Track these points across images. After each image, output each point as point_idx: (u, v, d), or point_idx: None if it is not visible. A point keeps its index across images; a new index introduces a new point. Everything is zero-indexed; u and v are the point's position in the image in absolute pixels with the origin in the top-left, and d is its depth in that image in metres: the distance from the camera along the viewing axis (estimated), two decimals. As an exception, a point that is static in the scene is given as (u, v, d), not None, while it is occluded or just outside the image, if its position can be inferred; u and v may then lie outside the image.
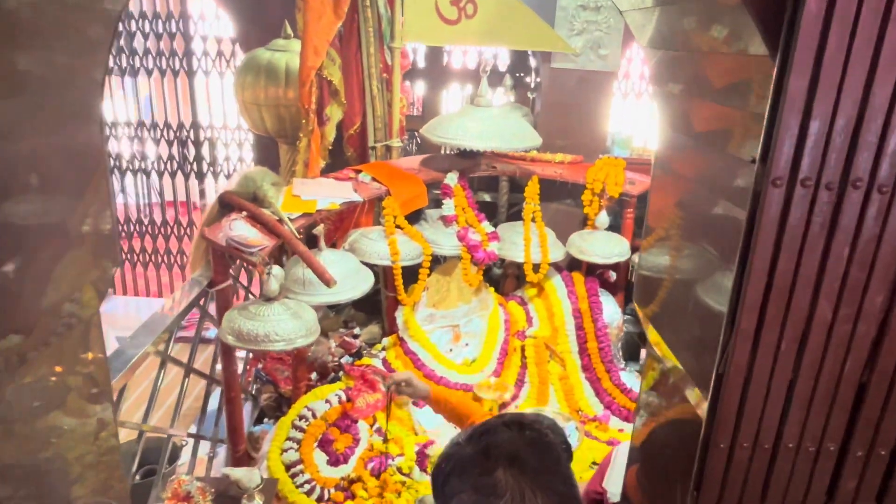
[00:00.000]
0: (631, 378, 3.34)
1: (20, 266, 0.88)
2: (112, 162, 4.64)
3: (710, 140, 1.02)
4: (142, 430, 2.11)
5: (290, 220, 2.46)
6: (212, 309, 2.58)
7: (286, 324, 2.17)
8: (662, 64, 1.24)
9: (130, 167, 4.62)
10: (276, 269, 2.23)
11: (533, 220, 3.35)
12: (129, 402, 3.44)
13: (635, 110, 4.50)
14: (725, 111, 0.95)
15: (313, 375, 3.39)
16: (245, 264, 2.91)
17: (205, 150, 4.52)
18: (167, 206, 4.89)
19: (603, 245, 3.30)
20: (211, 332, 3.09)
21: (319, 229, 2.52)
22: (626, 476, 1.46)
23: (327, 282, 2.21)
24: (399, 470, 2.66)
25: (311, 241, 2.95)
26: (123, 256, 4.86)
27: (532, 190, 3.33)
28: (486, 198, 3.96)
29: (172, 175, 4.59)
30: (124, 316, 4.51)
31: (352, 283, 2.52)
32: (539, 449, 1.03)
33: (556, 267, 3.50)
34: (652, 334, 1.24)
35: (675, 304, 1.12)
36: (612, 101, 3.61)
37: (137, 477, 2.67)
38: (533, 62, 4.04)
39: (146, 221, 4.76)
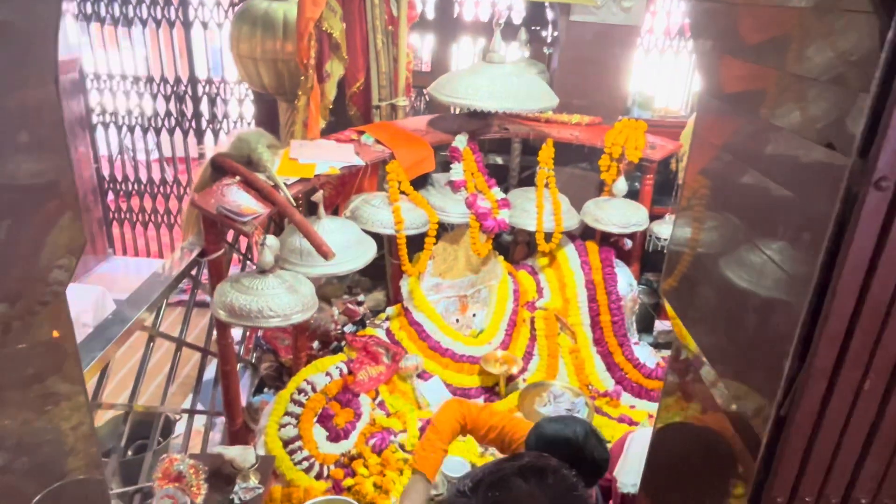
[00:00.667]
0: (644, 352, 3.21)
1: (7, 230, 0.87)
2: (108, 118, 4.46)
3: (772, 112, 0.84)
4: (128, 410, 2.01)
5: (287, 185, 2.29)
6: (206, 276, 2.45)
7: (281, 298, 2.03)
8: (709, 16, 1.04)
9: (126, 123, 4.43)
10: (270, 239, 2.08)
11: (546, 185, 3.16)
12: (119, 376, 3.35)
13: (658, 68, 4.23)
14: (796, 80, 0.77)
15: (315, 344, 3.28)
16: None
17: (203, 107, 4.32)
18: (167, 163, 4.73)
19: (620, 213, 3.11)
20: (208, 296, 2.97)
21: (318, 196, 2.36)
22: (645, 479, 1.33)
23: (325, 254, 2.06)
24: (401, 447, 2.56)
25: (312, 208, 2.79)
26: (122, 216, 4.72)
27: (546, 154, 3.13)
28: (498, 160, 3.76)
29: (171, 132, 4.40)
30: (123, 277, 4.41)
31: (353, 253, 2.37)
32: None
33: (570, 235, 3.33)
34: (687, 339, 1.08)
35: (720, 314, 0.94)
36: (634, 58, 3.36)
37: (129, 452, 2.59)
38: (550, 14, 3.77)
39: (144, 180, 4.61)
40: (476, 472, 0.92)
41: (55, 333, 1.07)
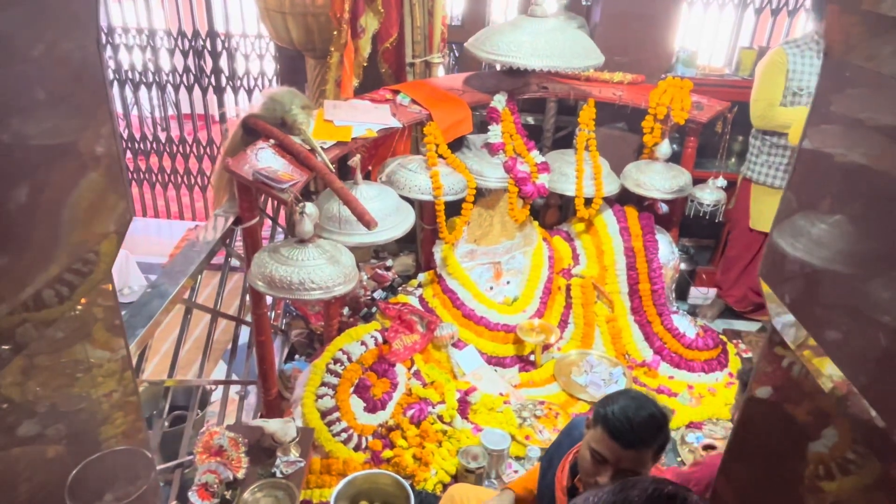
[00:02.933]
0: (683, 321, 3.13)
1: (32, 192, 0.84)
2: (124, 74, 4.31)
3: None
4: (166, 387, 1.95)
5: (323, 149, 2.18)
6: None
7: (323, 270, 1.95)
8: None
9: (144, 79, 4.28)
10: (309, 207, 1.98)
11: (587, 148, 3.02)
12: (153, 348, 3.31)
13: (702, 22, 3.99)
14: None
15: (345, 310, 3.21)
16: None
17: (223, 62, 4.15)
18: (185, 121, 4.59)
19: (663, 178, 2.98)
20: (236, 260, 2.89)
21: (356, 160, 2.24)
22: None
23: (367, 223, 1.96)
24: (440, 418, 2.52)
25: (344, 171, 2.68)
26: (141, 176, 4.61)
27: (587, 115, 2.98)
28: (530, 120, 3.61)
29: (189, 89, 4.25)
30: (144, 239, 4.33)
31: (392, 221, 2.27)
32: None
33: (607, 200, 3.21)
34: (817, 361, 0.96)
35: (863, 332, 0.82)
36: (681, 10, 3.16)
37: (166, 424, 2.56)
38: (589, -36, 3.55)
39: (163, 139, 4.48)
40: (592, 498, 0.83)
41: (82, 301, 1.01)
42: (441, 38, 2.87)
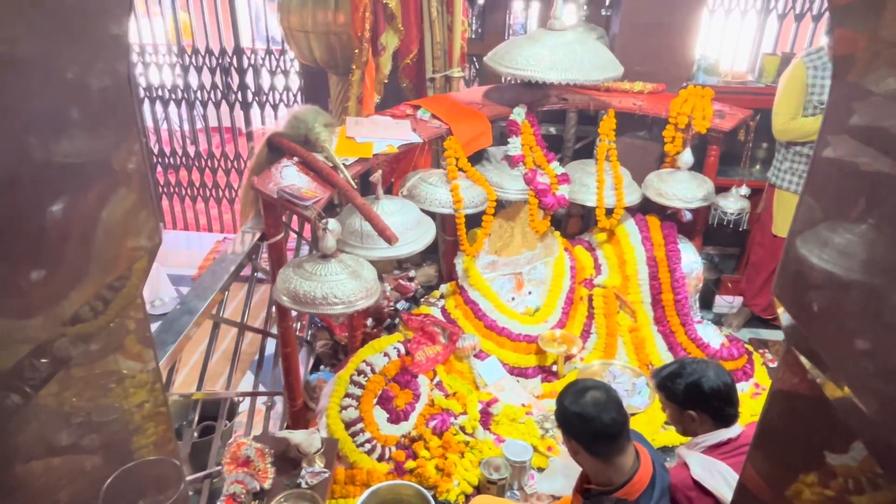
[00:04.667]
0: (708, 331, 3.10)
1: (67, 207, 0.88)
2: (154, 91, 4.44)
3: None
4: (195, 400, 2.01)
5: (345, 165, 2.23)
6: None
7: (345, 284, 1.99)
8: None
9: (173, 97, 4.41)
10: (332, 223, 2.02)
11: (607, 158, 3.02)
12: (181, 363, 3.40)
13: (724, 29, 3.96)
14: None
15: (368, 321, 3.26)
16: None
17: (249, 78, 4.26)
18: (212, 135, 4.72)
19: (685, 187, 2.97)
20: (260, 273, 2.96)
21: (377, 176, 2.29)
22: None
23: (388, 239, 2.00)
24: (462, 429, 2.54)
25: (366, 186, 2.73)
26: (171, 189, 4.74)
27: (607, 125, 2.98)
28: (551, 130, 3.62)
29: (217, 105, 4.36)
30: (175, 251, 4.45)
31: (413, 235, 2.31)
32: None
33: (629, 210, 3.21)
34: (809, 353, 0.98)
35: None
36: (702, 19, 3.15)
37: (195, 434, 2.63)
38: (608, -26, 3.56)
39: (192, 154, 4.60)
40: None
41: (116, 314, 1.05)
42: (460, 53, 2.91)
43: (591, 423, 1.58)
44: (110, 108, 1.04)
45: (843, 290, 0.92)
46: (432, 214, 2.75)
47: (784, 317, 1.09)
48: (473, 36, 3.70)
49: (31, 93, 0.84)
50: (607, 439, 1.59)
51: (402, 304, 3.39)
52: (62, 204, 0.90)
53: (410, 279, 3.60)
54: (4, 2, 0.76)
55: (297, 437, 2.12)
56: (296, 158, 2.22)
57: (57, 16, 0.84)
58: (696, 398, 1.75)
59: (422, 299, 3.17)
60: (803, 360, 1.00)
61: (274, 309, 2.45)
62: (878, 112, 0.85)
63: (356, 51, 2.57)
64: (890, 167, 0.84)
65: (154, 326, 1.70)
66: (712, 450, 1.72)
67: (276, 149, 2.30)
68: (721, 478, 1.61)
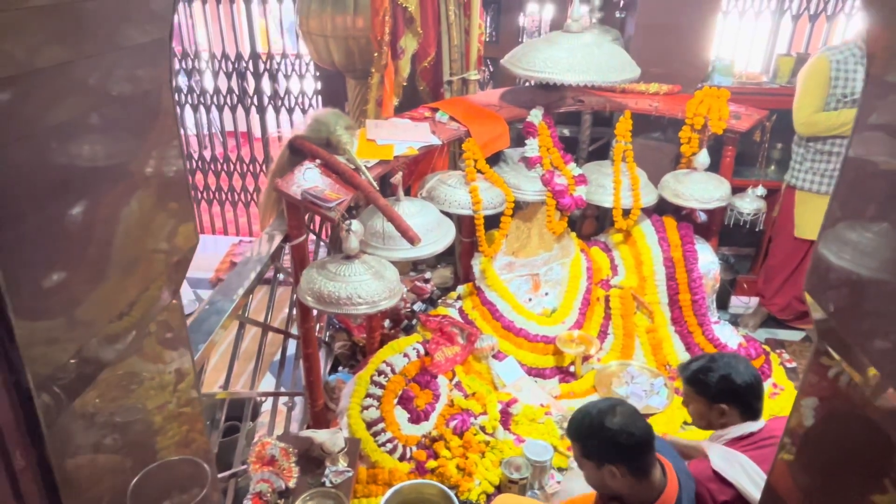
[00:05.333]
0: (725, 331, 3.10)
1: (87, 210, 0.89)
2: (176, 96, 4.49)
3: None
4: (221, 399, 2.04)
5: (367, 168, 2.25)
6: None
7: (369, 285, 2.01)
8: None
9: (189, 101, 4.46)
10: (355, 224, 2.05)
11: (624, 159, 3.04)
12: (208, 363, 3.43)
13: (738, 30, 3.97)
14: None
15: (386, 323, 3.28)
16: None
17: (265, 83, 4.30)
18: (228, 139, 4.76)
19: (702, 188, 2.97)
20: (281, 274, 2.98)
21: (398, 178, 2.31)
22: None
23: (411, 240, 2.02)
24: (482, 429, 2.55)
25: (385, 188, 2.75)
26: (196, 194, 4.79)
27: (624, 126, 3.00)
28: (566, 132, 3.64)
29: (233, 109, 4.40)
30: (198, 254, 4.46)
31: (434, 236, 2.33)
32: None
33: (645, 210, 3.22)
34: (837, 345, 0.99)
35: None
36: (716, 20, 3.16)
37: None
38: (622, -24, 3.58)
39: (208, 157, 4.65)
40: None
41: (146, 316, 1.07)
42: (477, 56, 2.94)
43: (635, 436, 1.52)
44: (154, 115, 1.07)
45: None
46: (450, 216, 2.77)
47: (816, 315, 1.10)
48: (489, 39, 3.73)
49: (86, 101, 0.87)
50: (649, 449, 1.55)
51: (418, 306, 3.41)
52: (104, 207, 0.93)
53: (426, 281, 3.62)
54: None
55: (320, 436, 2.14)
56: (318, 161, 2.25)
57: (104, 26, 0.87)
58: (728, 392, 1.76)
59: (439, 300, 3.18)
60: (835, 355, 1.01)
61: (295, 310, 2.48)
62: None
63: (376, 54, 2.60)
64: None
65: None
66: (734, 442, 1.74)
67: (297, 151, 2.32)
68: (741, 469, 1.62)
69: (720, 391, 1.76)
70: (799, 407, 1.17)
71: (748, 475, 1.60)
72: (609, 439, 1.52)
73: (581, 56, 2.58)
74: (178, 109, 4.57)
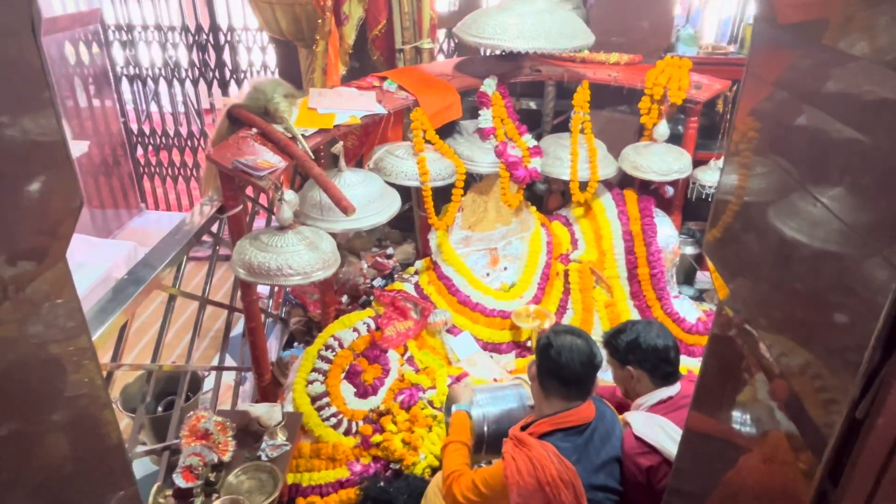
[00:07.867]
0: (685, 306, 3.07)
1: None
2: (132, 70, 4.39)
3: (841, 40, 0.69)
4: (150, 370, 1.99)
5: (305, 137, 2.19)
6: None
7: (301, 256, 1.96)
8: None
9: (150, 74, 4.36)
10: (288, 194, 1.99)
11: (582, 131, 2.98)
12: (149, 336, 3.37)
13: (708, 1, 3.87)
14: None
15: (344, 299, 3.24)
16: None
17: (227, 56, 4.20)
18: (193, 115, 4.67)
19: (661, 160, 2.92)
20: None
21: (339, 147, 2.25)
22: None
23: (345, 209, 1.97)
24: (430, 403, 2.52)
25: (335, 160, 2.69)
26: (153, 170, 4.71)
27: (581, 97, 2.93)
28: (531, 105, 3.57)
29: (195, 83, 4.31)
30: (157, 232, 4.41)
31: (376, 207, 2.27)
32: None
33: (607, 184, 3.16)
34: (728, 301, 0.95)
35: (777, 278, 0.81)
36: (679, -12, 3.08)
37: (160, 409, 2.62)
38: (586, -57, 3.49)
39: (172, 133, 4.56)
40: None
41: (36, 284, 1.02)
42: (430, 24, 2.86)
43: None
44: (15, 75, 1.01)
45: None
46: (407, 190, 2.70)
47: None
48: (452, 8, 3.64)
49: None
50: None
51: (378, 282, 3.37)
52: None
53: (389, 257, 3.57)
54: None
55: (257, 409, 2.11)
56: (255, 130, 2.19)
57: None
58: (635, 354, 1.81)
59: (396, 276, 3.14)
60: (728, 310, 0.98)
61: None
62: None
63: (319, 21, 2.52)
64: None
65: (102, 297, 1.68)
66: (653, 409, 1.75)
67: (236, 120, 2.26)
68: (661, 430, 1.62)
69: (627, 353, 1.82)
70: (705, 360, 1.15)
71: (668, 436, 1.60)
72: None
73: (532, 23, 2.51)
74: (142, 84, 4.47)
